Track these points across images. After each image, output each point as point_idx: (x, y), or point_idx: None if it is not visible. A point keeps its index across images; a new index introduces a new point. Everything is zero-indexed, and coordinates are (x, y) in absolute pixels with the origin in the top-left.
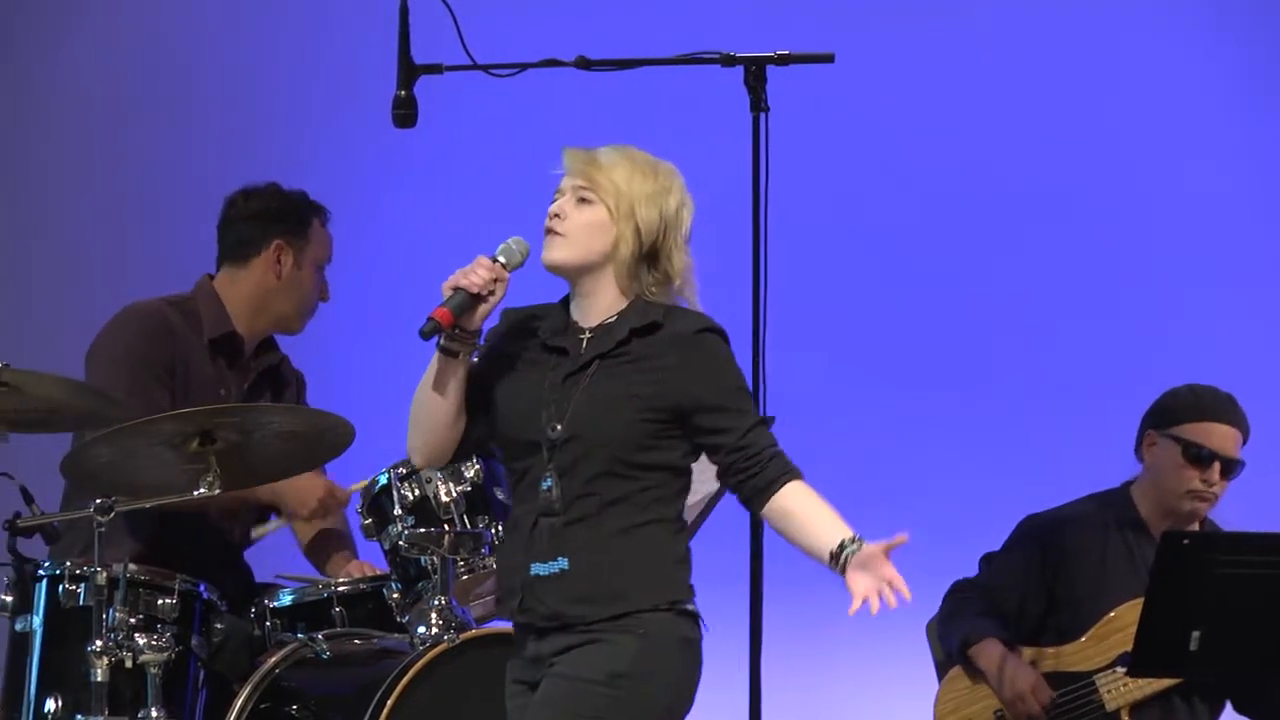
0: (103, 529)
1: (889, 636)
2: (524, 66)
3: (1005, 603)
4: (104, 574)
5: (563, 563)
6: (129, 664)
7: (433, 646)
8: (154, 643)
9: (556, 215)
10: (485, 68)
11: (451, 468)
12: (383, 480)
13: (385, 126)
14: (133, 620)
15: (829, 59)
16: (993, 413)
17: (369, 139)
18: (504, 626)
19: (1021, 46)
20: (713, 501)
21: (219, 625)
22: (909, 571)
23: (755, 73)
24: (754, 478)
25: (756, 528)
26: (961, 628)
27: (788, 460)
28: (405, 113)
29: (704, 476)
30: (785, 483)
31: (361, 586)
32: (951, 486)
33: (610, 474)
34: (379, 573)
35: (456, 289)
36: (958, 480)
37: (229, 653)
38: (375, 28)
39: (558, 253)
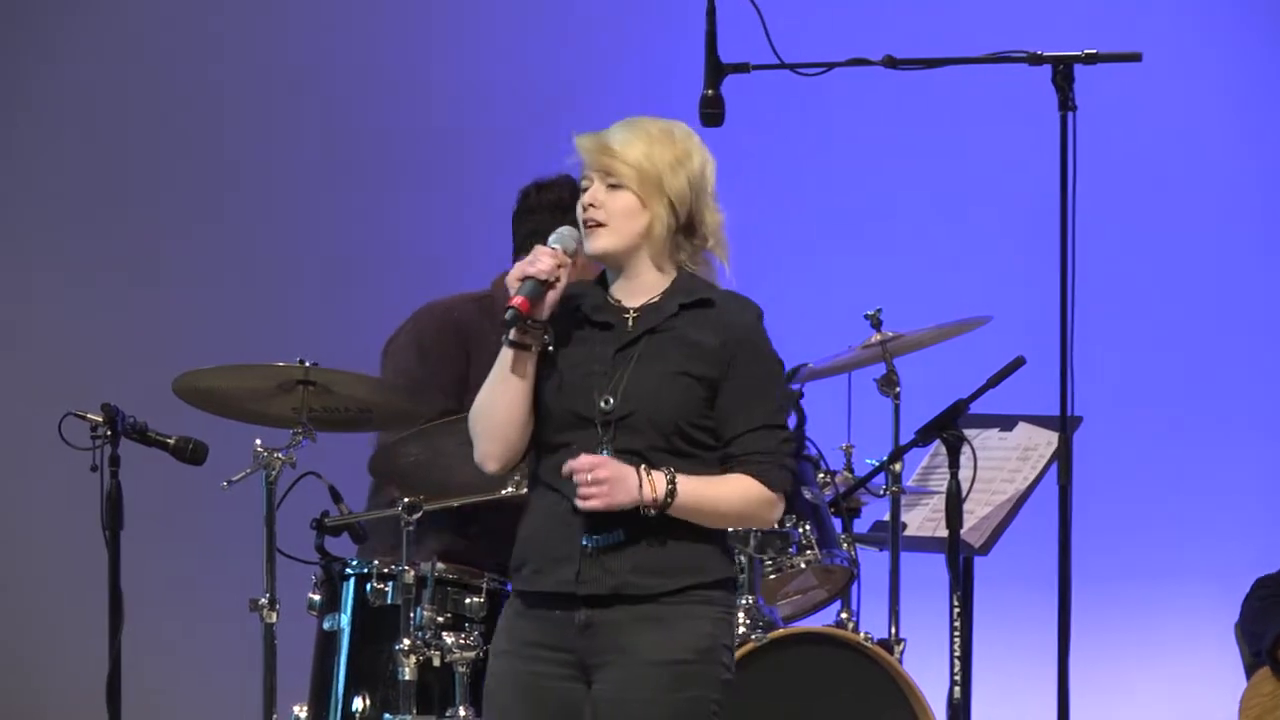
0: (410, 528)
1: (1198, 637)
2: (831, 65)
3: None
4: (412, 573)
5: (620, 534)
6: (437, 662)
7: (740, 645)
8: (462, 641)
9: (592, 205)
10: (792, 66)
11: None
12: None
13: (693, 125)
14: (440, 619)
15: (1136, 58)
16: None
17: None
18: (813, 626)
19: None
20: (1020, 500)
21: None
22: (1218, 571)
23: (1063, 71)
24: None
25: (1064, 526)
26: (1271, 626)
27: (764, 464)
28: (713, 112)
29: (1011, 475)
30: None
31: None
32: (1261, 485)
33: (666, 449)
34: None
35: (526, 278)
36: (1268, 478)
37: None
38: (680, 27)
39: (602, 241)
